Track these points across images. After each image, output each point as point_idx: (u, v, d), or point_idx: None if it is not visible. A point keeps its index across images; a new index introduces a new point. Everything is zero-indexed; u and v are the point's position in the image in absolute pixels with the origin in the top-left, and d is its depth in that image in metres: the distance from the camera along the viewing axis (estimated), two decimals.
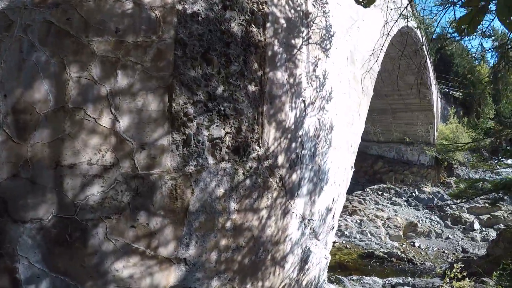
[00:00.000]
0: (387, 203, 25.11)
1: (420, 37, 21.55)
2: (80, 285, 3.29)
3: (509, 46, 7.58)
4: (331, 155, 6.29)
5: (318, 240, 6.23)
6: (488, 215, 22.15)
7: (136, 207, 3.50)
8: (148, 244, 3.60)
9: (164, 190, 3.66)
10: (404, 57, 23.51)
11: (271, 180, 4.84)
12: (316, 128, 5.80)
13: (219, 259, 4.21)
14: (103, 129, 3.35)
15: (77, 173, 3.24)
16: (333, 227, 6.81)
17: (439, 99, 30.18)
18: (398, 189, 26.97)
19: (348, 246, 19.19)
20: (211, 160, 4.05)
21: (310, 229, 5.90)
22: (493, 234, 20.03)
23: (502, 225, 20.91)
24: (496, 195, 7.10)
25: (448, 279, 9.31)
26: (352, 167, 7.63)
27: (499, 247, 11.39)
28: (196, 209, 3.92)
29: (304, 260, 5.87)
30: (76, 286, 3.28)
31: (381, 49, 9.08)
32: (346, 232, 20.57)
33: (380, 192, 26.73)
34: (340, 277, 13.14)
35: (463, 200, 7.61)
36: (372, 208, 24.04)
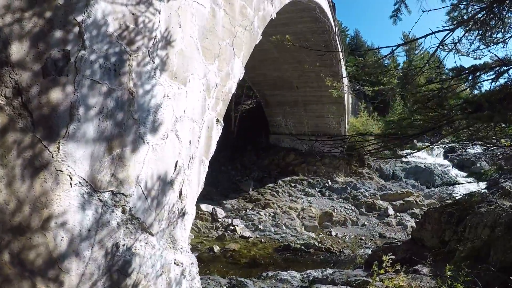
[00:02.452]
0: (301, 194, 23.05)
1: (333, 26, 19.50)
2: None
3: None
4: (166, 86, 3.47)
5: (151, 234, 3.38)
6: (401, 201, 21.20)
7: None
8: None
9: None
10: (315, 47, 21.54)
11: None
12: (126, 26, 3.03)
13: None
14: None
15: None
16: (185, 213, 4.00)
17: (350, 95, 28.91)
18: (311, 180, 24.98)
19: (263, 240, 17.14)
20: None
21: (124, 212, 3.03)
22: (407, 218, 19.38)
23: (415, 209, 20.27)
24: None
25: (377, 278, 6.70)
26: (219, 120, 4.75)
27: (426, 229, 9.07)
28: None
29: (119, 270, 2.99)
30: None
31: None
32: (260, 226, 18.40)
33: (293, 184, 24.55)
34: (242, 279, 10.72)
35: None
36: (286, 200, 21.87)
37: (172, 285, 3.69)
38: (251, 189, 23.39)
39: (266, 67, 24.45)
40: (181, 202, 3.81)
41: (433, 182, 26.47)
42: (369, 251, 15.54)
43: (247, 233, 17.49)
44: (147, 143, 3.26)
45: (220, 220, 18.80)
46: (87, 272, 2.72)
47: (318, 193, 23.15)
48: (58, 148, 2.55)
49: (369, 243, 16.95)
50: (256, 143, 29.58)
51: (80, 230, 2.68)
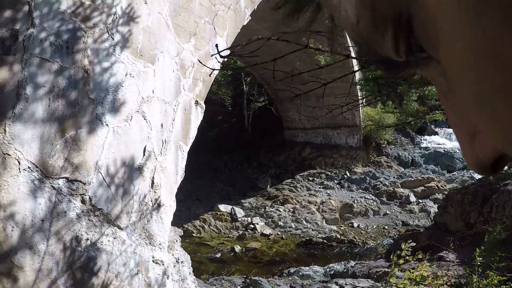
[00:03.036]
0: (319, 187, 22.43)
1: None
2: None
3: None
4: (129, 64, 3.16)
5: (120, 227, 3.06)
6: (422, 187, 20.47)
7: None
8: None
9: None
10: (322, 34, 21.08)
11: None
12: (81, 3, 2.90)
13: None
14: None
15: None
16: (160, 205, 3.65)
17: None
18: (329, 173, 24.27)
19: (284, 236, 16.88)
20: None
21: (84, 202, 2.73)
22: (430, 204, 18.77)
23: (437, 194, 19.48)
24: None
25: (396, 269, 6.15)
26: (198, 102, 4.38)
27: (449, 213, 8.57)
28: None
29: (83, 268, 2.69)
30: None
31: None
32: (280, 223, 18.03)
33: (311, 178, 23.86)
34: (257, 278, 10.46)
35: None
36: (305, 195, 21.32)
37: (153, 287, 3.36)
38: (268, 186, 22.97)
39: (276, 62, 23.85)
40: (154, 192, 3.45)
41: (454, 166, 25.77)
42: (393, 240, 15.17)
43: (267, 231, 17.22)
44: (107, 125, 2.93)
45: (239, 219, 18.57)
46: (44, 268, 2.43)
47: (337, 185, 22.52)
48: (5, 130, 2.29)
49: (393, 232, 16.48)
50: (271, 140, 29.06)
51: (33, 220, 2.40)
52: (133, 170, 3.20)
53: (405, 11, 0.33)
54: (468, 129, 0.36)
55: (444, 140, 33.32)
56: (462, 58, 0.30)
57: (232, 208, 19.28)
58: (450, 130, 36.34)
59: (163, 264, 3.51)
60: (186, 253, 4.09)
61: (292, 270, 12.52)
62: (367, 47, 0.41)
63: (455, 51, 0.30)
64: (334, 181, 23.17)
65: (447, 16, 0.29)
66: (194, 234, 17.50)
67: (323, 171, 24.58)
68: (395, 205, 19.39)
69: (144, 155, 3.35)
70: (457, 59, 0.31)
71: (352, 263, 12.02)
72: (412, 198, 19.58)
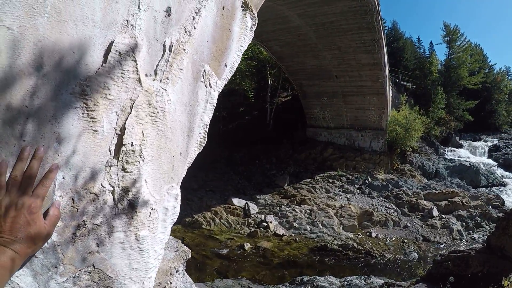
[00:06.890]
0: (339, 191, 20.93)
1: (376, 5, 17.33)
2: None
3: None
4: None
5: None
6: (446, 201, 18.78)
7: None
8: None
9: None
10: (356, 30, 19.59)
11: None
12: None
13: None
14: None
15: None
16: (136, 204, 1.41)
17: (390, 87, 26.65)
18: (350, 176, 22.85)
19: (297, 239, 15.46)
20: None
21: None
22: (453, 220, 17.14)
23: (461, 211, 17.94)
24: None
25: None
26: (249, 6, 1.86)
27: (509, 234, 6.82)
28: None
29: None
30: None
31: None
32: (295, 224, 16.59)
33: (331, 180, 22.43)
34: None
35: None
36: (323, 197, 19.82)
37: None
38: (286, 184, 21.57)
39: (304, 54, 22.55)
40: (123, 168, 1.39)
41: (479, 182, 24.09)
42: (413, 256, 13.88)
43: (281, 231, 15.89)
44: None
45: (252, 215, 17.29)
46: None
47: (358, 190, 21.02)
48: None
49: (412, 247, 14.96)
50: (293, 136, 27.82)
51: None
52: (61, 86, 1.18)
53: None
54: None
55: (468, 154, 31.94)
56: None
57: (246, 203, 18.01)
58: (475, 144, 34.60)
59: None
60: (193, 285, 2.34)
61: (305, 278, 11.14)
62: None
63: None
64: (354, 186, 21.69)
65: None
66: (203, 226, 16.29)
67: (344, 173, 23.15)
68: (417, 217, 17.79)
69: (105, 59, 1.29)
70: None
71: (376, 279, 10.54)
72: (435, 212, 17.93)
